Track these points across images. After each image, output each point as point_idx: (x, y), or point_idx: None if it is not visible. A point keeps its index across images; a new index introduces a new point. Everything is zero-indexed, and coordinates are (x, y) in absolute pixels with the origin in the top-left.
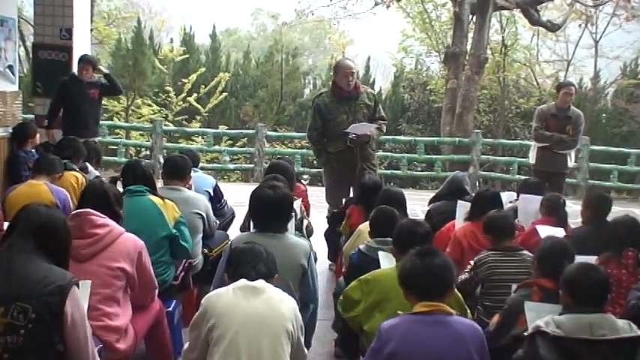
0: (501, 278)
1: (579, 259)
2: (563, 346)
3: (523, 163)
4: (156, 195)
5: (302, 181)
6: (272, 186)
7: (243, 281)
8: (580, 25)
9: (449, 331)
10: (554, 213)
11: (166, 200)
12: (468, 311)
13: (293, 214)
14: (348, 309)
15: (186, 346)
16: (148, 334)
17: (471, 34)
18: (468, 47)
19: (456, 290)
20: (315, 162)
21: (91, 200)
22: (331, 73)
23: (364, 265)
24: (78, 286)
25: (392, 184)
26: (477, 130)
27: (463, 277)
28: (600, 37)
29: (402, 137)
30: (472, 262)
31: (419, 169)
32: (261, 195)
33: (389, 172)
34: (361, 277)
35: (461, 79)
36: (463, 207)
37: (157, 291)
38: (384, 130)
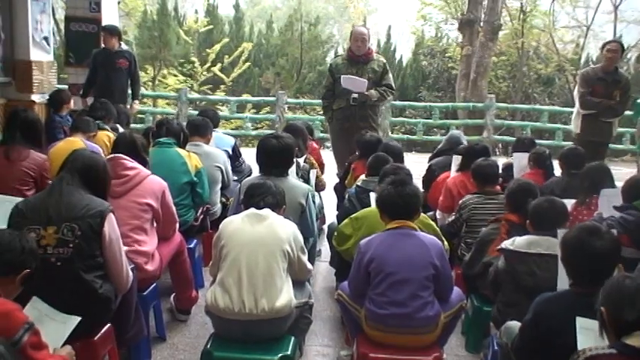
0: (481, 218)
1: None
2: (508, 257)
3: (536, 126)
4: (182, 148)
5: (315, 140)
6: (276, 136)
7: (252, 210)
8: None
9: (414, 241)
10: (541, 165)
11: (191, 153)
12: (438, 231)
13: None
14: (341, 242)
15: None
16: (172, 262)
17: (486, 1)
18: (483, 14)
19: (423, 214)
20: None
21: (121, 147)
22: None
23: (360, 195)
24: (114, 213)
25: (412, 151)
26: (490, 95)
27: (450, 219)
28: (620, 2)
29: (418, 104)
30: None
31: (437, 134)
32: (266, 143)
33: (405, 137)
34: (352, 215)
35: (475, 46)
36: (457, 159)
37: (177, 225)
38: (388, 97)
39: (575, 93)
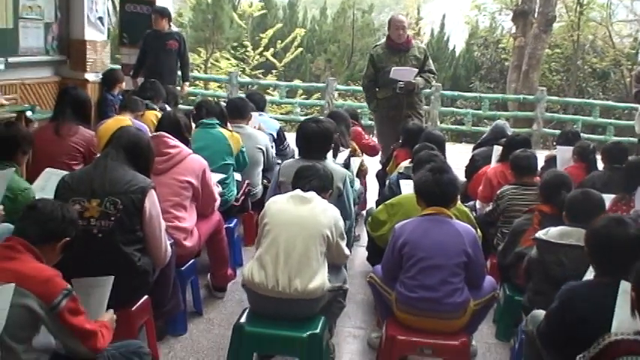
0: (518, 209)
1: None
2: (539, 246)
3: (587, 121)
4: (225, 128)
5: (360, 126)
6: (316, 120)
7: (297, 191)
8: None
9: (448, 228)
10: (585, 159)
11: (234, 133)
12: (472, 219)
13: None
14: (375, 228)
15: None
16: (209, 239)
17: None
18: (538, 6)
19: (460, 203)
20: None
21: (166, 126)
22: None
23: (400, 181)
24: (155, 190)
25: (461, 142)
26: (541, 88)
27: (488, 208)
28: None
29: (469, 94)
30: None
31: (487, 126)
32: (306, 127)
33: (454, 127)
34: (387, 202)
35: (528, 37)
36: (497, 150)
37: (217, 204)
38: (432, 83)
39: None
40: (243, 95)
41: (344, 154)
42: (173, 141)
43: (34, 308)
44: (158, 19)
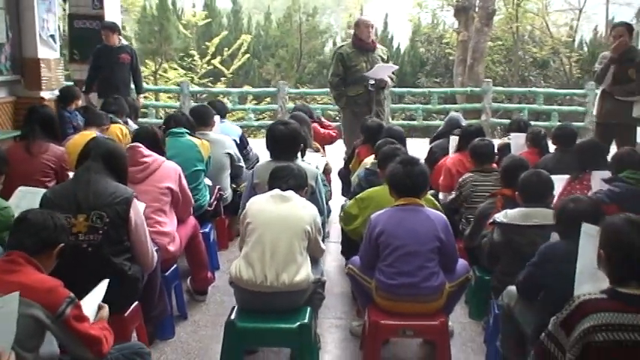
0: (480, 194)
1: (554, 178)
2: (505, 230)
3: (533, 109)
4: (194, 136)
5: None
6: (283, 122)
7: (276, 191)
8: None
9: (421, 216)
10: (537, 144)
11: (203, 141)
12: (440, 208)
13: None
14: (347, 222)
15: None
16: (187, 244)
17: None
18: (477, 0)
19: (429, 195)
20: (336, 117)
21: (144, 139)
22: (349, 30)
23: (368, 177)
24: (137, 199)
25: (412, 136)
26: (487, 80)
27: (451, 197)
28: None
29: (417, 89)
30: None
31: (436, 120)
32: (275, 130)
33: (406, 122)
34: (357, 196)
35: (471, 32)
36: (454, 140)
37: (192, 208)
38: (395, 82)
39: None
40: (196, 104)
41: (316, 157)
42: (147, 151)
43: (40, 318)
44: (109, 34)
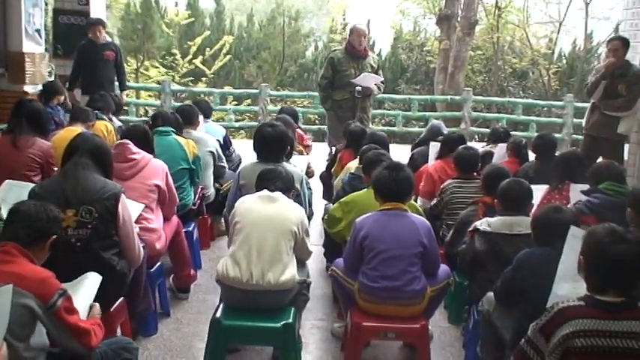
0: (461, 201)
1: (533, 187)
2: (491, 239)
3: (511, 119)
4: (180, 135)
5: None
6: (271, 124)
7: (264, 191)
8: None
9: (405, 220)
10: (518, 154)
11: (188, 140)
12: (422, 213)
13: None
14: (331, 226)
15: None
16: (171, 242)
17: None
18: (460, 10)
19: (412, 200)
20: (316, 120)
21: (134, 137)
22: (332, 35)
23: (352, 182)
24: (125, 194)
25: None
26: (467, 88)
27: (432, 202)
28: None
29: (398, 96)
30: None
31: (416, 126)
32: (263, 132)
33: (386, 128)
34: (341, 200)
35: (453, 40)
36: (434, 147)
37: (176, 206)
38: (382, 91)
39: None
40: (177, 103)
41: (301, 160)
42: (135, 148)
43: (33, 307)
44: (100, 30)
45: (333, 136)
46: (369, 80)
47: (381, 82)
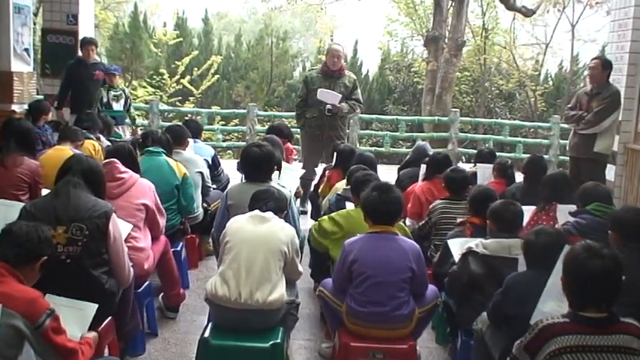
0: (449, 221)
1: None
2: (488, 262)
3: (498, 140)
4: (169, 156)
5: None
6: (258, 145)
7: (256, 212)
8: (557, 9)
9: (394, 244)
10: (504, 175)
11: (178, 163)
12: (410, 235)
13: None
14: (320, 236)
15: None
16: (159, 261)
17: (450, 19)
18: (447, 32)
19: (401, 222)
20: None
21: (120, 156)
22: (320, 56)
23: (339, 203)
24: (115, 213)
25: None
26: (454, 109)
27: (421, 223)
28: (577, 21)
29: (385, 117)
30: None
31: (403, 147)
32: (250, 152)
33: (373, 149)
34: (332, 214)
35: (440, 62)
36: (423, 169)
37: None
38: (357, 110)
39: None
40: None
41: (291, 179)
42: (123, 166)
43: (21, 327)
44: (91, 48)
45: (305, 152)
46: (326, 96)
47: (358, 103)
